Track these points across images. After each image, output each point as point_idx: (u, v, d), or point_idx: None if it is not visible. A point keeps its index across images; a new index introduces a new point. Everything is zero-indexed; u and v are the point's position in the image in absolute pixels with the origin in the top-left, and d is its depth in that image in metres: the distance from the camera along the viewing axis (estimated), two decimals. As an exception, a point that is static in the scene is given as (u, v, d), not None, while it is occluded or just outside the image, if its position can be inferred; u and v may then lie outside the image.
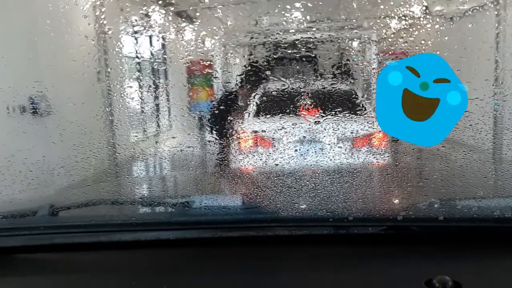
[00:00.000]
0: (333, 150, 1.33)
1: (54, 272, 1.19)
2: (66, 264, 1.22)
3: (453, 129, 1.26)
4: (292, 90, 1.36)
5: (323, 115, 1.30)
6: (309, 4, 1.22)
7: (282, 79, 1.28)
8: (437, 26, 1.23)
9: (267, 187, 1.36)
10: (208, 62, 1.31)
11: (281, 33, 1.29)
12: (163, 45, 1.26)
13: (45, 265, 1.23)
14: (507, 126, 1.22)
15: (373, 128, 1.28)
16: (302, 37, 1.27)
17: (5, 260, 1.24)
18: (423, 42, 1.23)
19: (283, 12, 1.24)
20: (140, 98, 1.36)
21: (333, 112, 1.30)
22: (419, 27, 1.23)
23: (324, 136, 1.32)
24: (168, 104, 1.34)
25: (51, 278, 1.16)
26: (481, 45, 1.19)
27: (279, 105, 1.27)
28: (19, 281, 1.15)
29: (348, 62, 1.32)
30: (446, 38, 1.22)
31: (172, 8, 1.27)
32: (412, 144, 1.30)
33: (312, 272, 1.08)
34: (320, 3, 1.24)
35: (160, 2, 1.30)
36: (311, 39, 1.21)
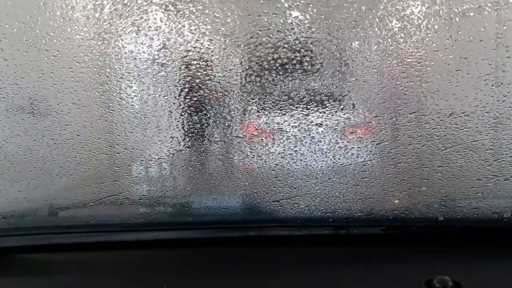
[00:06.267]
0: (333, 149, 1.32)
1: (54, 272, 1.19)
2: (66, 264, 1.22)
3: (453, 129, 1.26)
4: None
5: (322, 115, 1.30)
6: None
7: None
8: (436, 27, 1.23)
9: (267, 187, 1.36)
10: (209, 62, 1.31)
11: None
12: (163, 45, 1.27)
13: (45, 265, 1.23)
14: (507, 126, 1.22)
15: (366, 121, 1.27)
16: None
17: (5, 260, 1.24)
18: (423, 42, 1.23)
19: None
20: (140, 98, 1.35)
21: (331, 112, 1.30)
22: (418, 27, 1.23)
23: (324, 136, 1.32)
24: (168, 104, 1.34)
25: (51, 278, 1.16)
26: (482, 45, 1.19)
27: (278, 101, 1.27)
28: (19, 281, 1.15)
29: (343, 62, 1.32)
30: (446, 38, 1.22)
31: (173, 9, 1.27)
32: (412, 144, 1.30)
33: (312, 272, 1.08)
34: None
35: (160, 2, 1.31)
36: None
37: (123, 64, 1.37)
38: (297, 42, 1.28)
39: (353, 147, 1.33)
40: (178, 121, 1.38)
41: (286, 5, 1.25)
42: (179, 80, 1.36)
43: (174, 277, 1.10)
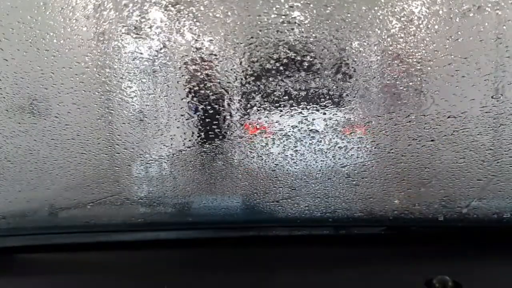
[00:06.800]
0: (333, 150, 1.32)
1: (54, 272, 1.19)
2: (66, 264, 1.22)
3: (453, 129, 1.25)
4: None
5: (322, 115, 1.30)
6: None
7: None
8: (436, 27, 1.23)
9: (267, 187, 1.36)
10: (209, 63, 1.32)
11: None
12: (163, 45, 1.26)
13: (45, 265, 1.23)
14: (507, 126, 1.22)
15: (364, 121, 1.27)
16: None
17: (5, 260, 1.24)
18: (423, 42, 1.23)
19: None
20: (140, 98, 1.36)
21: (331, 112, 1.30)
22: (418, 27, 1.23)
23: (324, 136, 1.32)
24: (168, 104, 1.34)
25: (51, 278, 1.16)
26: (482, 45, 1.19)
27: (279, 100, 1.28)
28: (19, 281, 1.15)
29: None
30: (446, 38, 1.22)
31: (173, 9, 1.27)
32: (412, 144, 1.30)
33: (312, 272, 1.08)
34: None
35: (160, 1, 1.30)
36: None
37: (123, 64, 1.37)
38: (297, 42, 1.28)
39: (353, 147, 1.33)
40: (178, 121, 1.38)
41: (286, 5, 1.25)
42: (179, 80, 1.36)
43: (174, 277, 1.11)
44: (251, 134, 1.37)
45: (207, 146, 1.38)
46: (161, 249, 1.26)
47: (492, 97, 1.22)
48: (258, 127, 1.35)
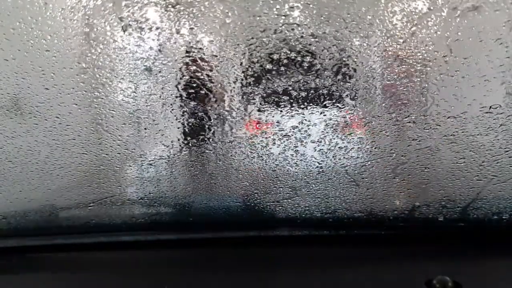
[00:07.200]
0: (333, 150, 1.32)
1: (54, 272, 1.19)
2: (66, 264, 1.22)
3: (453, 129, 1.26)
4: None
5: (322, 115, 1.30)
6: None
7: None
8: (436, 27, 1.23)
9: (267, 187, 1.36)
10: (209, 63, 1.32)
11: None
12: (163, 45, 1.26)
13: (45, 265, 1.23)
14: (507, 126, 1.22)
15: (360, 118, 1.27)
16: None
17: (5, 260, 1.24)
18: (422, 42, 1.23)
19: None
20: (141, 99, 1.36)
21: (332, 112, 1.31)
22: (418, 27, 1.23)
23: (324, 136, 1.32)
24: (168, 104, 1.34)
25: (51, 278, 1.16)
26: (482, 45, 1.19)
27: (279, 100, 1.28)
28: (19, 281, 1.15)
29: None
30: (446, 38, 1.22)
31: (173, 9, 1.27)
32: (412, 144, 1.30)
33: (312, 273, 1.08)
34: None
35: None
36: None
37: (124, 65, 1.37)
38: (297, 42, 1.29)
39: (353, 148, 1.33)
40: (179, 122, 1.38)
41: (287, 5, 1.26)
42: (180, 80, 1.36)
43: (174, 277, 1.11)
44: (252, 135, 1.37)
45: (208, 146, 1.39)
46: (161, 249, 1.26)
47: (490, 107, 1.22)
48: (258, 127, 1.36)
